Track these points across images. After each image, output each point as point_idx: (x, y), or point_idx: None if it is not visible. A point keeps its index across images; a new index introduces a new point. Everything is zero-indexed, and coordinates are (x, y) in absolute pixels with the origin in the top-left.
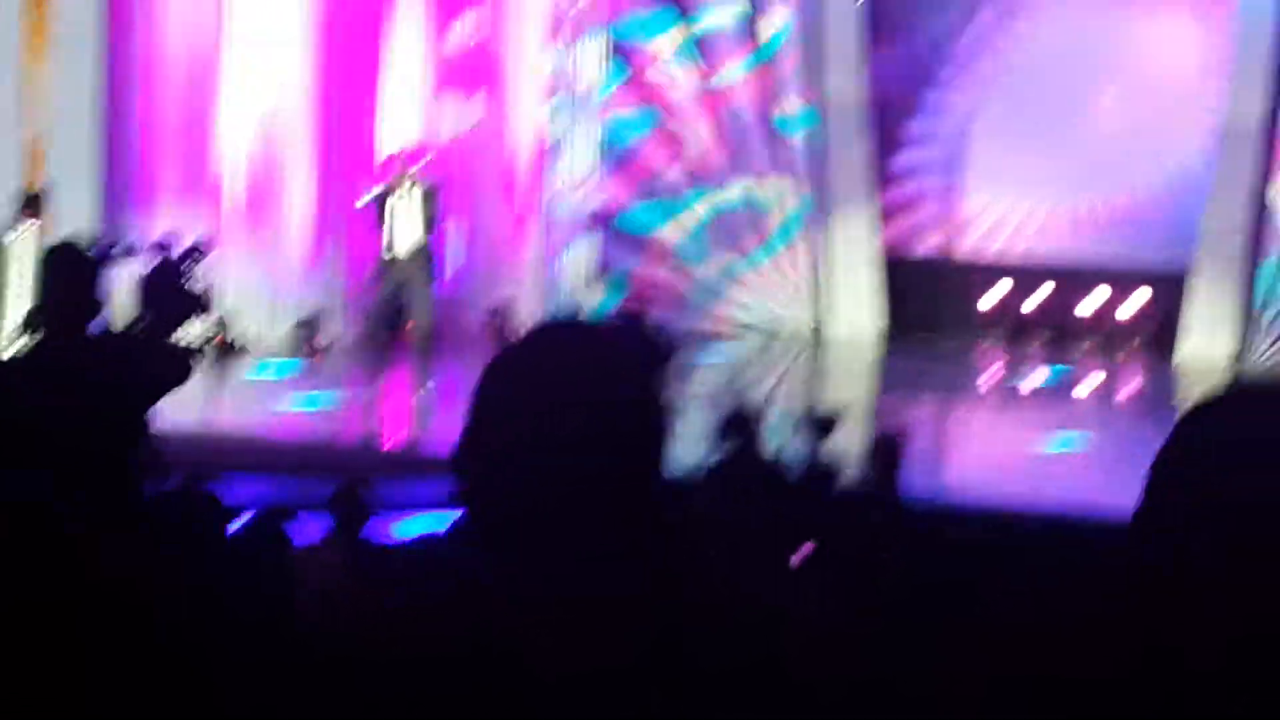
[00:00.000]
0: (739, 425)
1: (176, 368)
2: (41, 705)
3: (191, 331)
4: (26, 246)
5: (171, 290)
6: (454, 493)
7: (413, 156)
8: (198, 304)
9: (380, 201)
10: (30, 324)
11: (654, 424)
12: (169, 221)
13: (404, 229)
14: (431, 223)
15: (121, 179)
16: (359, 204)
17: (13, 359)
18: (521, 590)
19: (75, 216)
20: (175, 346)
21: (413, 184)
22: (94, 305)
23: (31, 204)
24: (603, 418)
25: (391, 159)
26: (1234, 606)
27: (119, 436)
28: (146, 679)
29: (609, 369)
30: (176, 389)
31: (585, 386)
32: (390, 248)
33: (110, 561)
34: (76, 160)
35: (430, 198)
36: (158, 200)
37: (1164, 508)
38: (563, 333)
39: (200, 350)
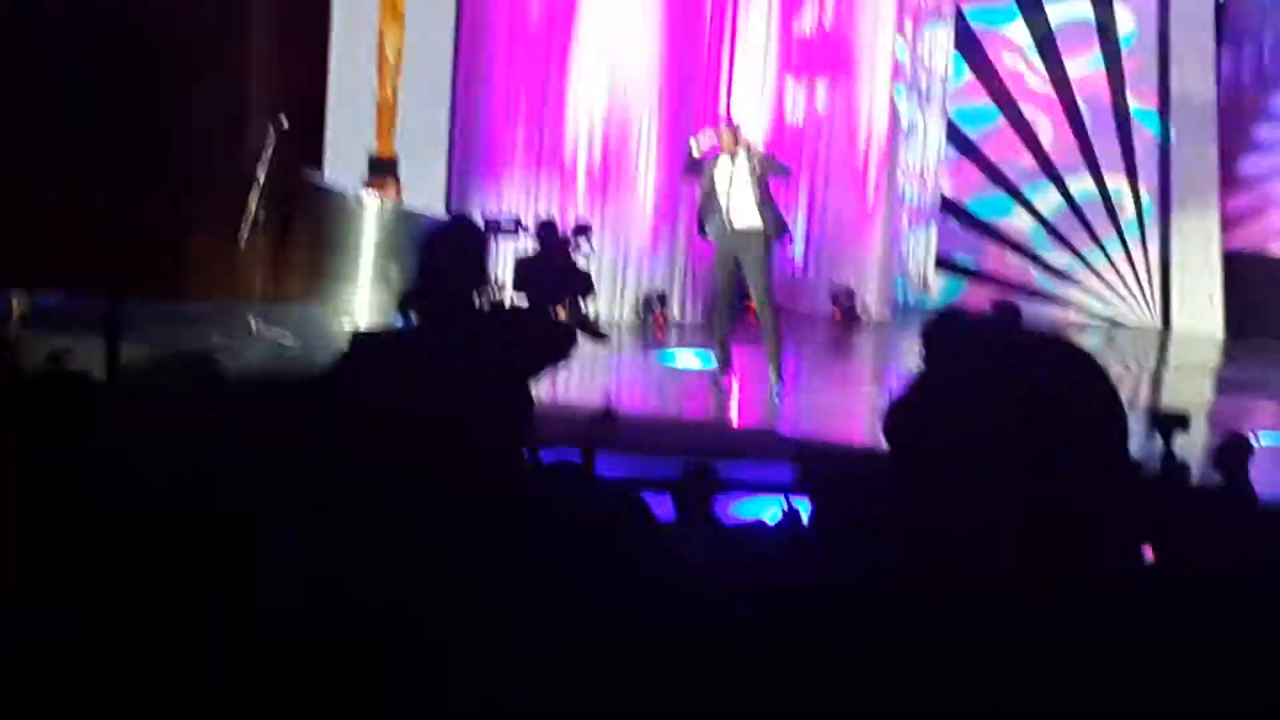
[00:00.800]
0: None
1: (558, 344)
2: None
3: (571, 310)
4: (378, 211)
5: (555, 269)
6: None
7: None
8: (580, 283)
9: (706, 169)
10: (417, 298)
11: (1117, 424)
12: (517, 192)
13: (740, 199)
14: (766, 194)
15: (471, 148)
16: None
17: (400, 331)
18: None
19: (426, 184)
20: (557, 323)
21: (747, 153)
22: (480, 280)
23: (383, 169)
24: (1072, 418)
25: (723, 125)
26: None
27: (502, 410)
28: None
29: (1075, 370)
30: (557, 365)
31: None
32: (728, 219)
33: (495, 529)
34: (428, 127)
35: (764, 168)
36: (506, 171)
37: None
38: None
39: (579, 327)
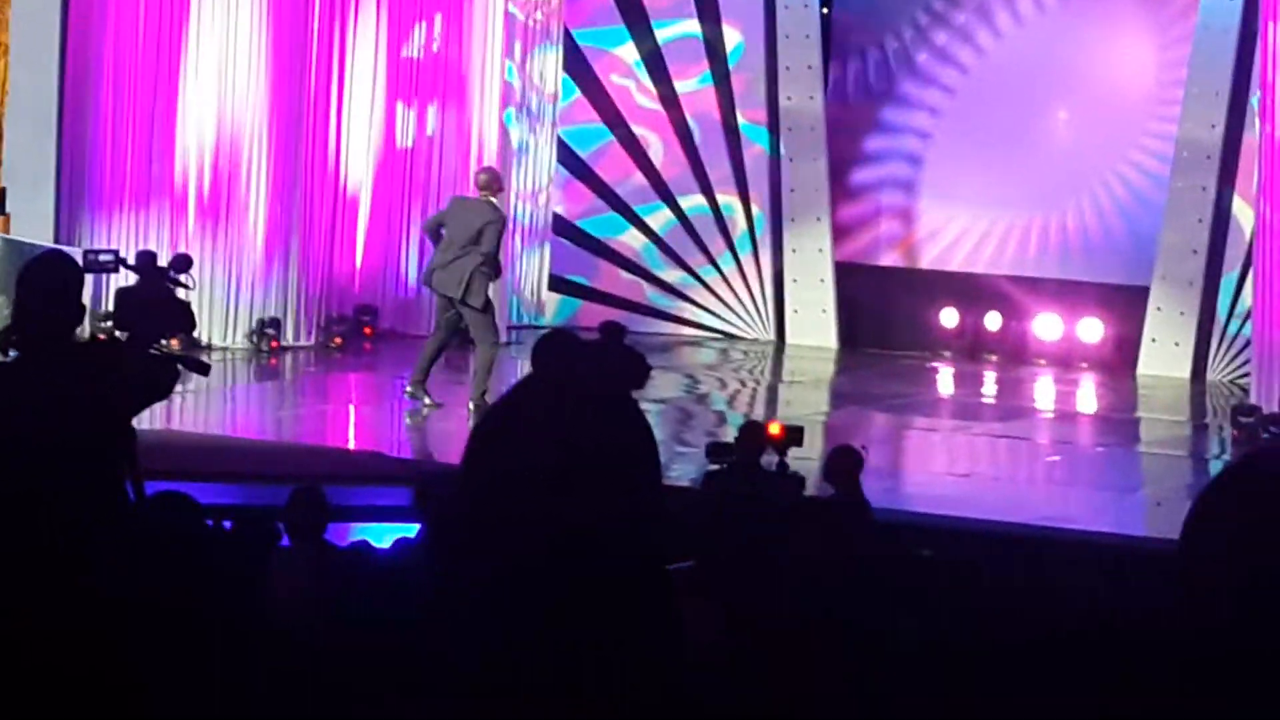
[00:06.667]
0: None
1: (160, 379)
2: (32, 697)
3: (172, 342)
4: None
5: (155, 302)
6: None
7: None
8: (180, 317)
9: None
10: (11, 332)
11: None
12: (127, 223)
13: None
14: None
15: (79, 179)
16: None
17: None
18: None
19: (33, 217)
20: (158, 357)
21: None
22: (77, 315)
23: None
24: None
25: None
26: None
27: (101, 444)
28: (133, 671)
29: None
30: (159, 400)
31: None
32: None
33: (98, 561)
34: (35, 159)
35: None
36: (116, 202)
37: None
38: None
39: (182, 362)
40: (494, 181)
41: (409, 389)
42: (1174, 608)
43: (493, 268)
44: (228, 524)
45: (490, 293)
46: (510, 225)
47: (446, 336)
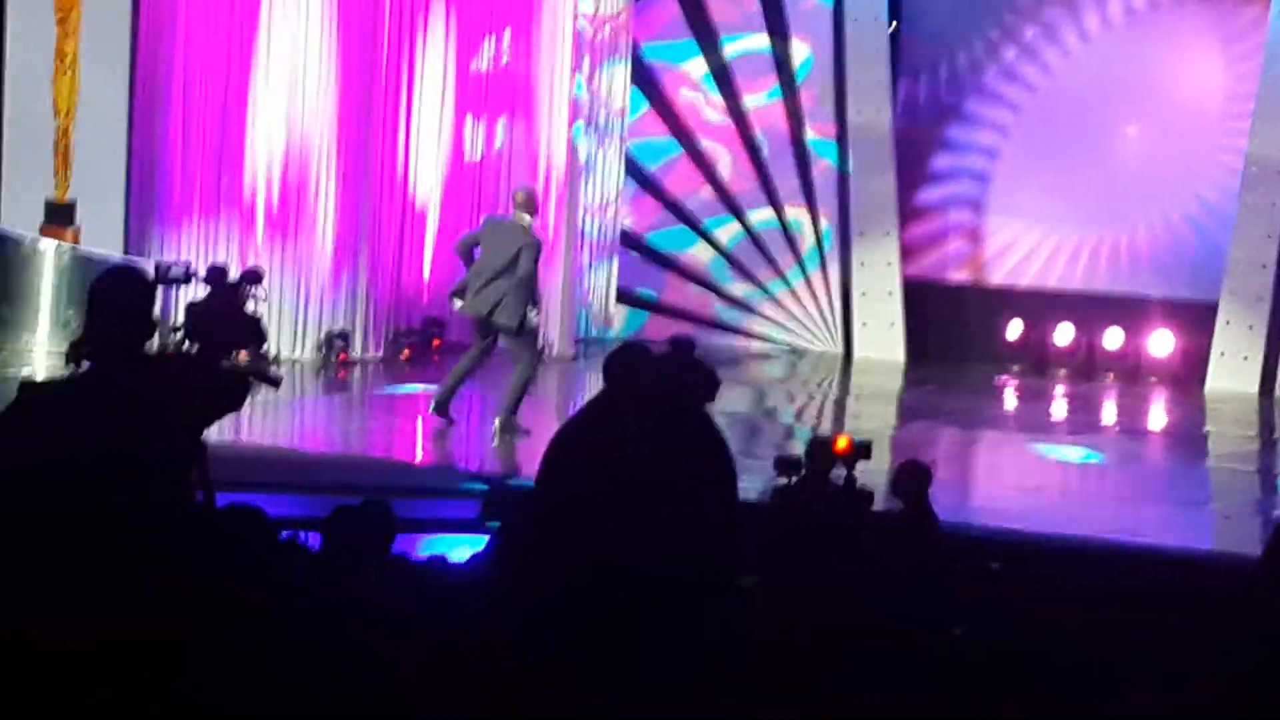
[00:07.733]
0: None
1: (231, 392)
2: (103, 696)
3: (243, 357)
4: (55, 256)
5: (226, 316)
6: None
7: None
8: (251, 330)
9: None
10: (84, 346)
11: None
12: (196, 235)
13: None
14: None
15: (149, 192)
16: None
17: (69, 380)
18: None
19: (103, 229)
20: (229, 371)
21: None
22: (149, 329)
23: (59, 215)
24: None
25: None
26: None
27: (172, 456)
28: (205, 676)
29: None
30: (229, 413)
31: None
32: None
33: (170, 570)
34: (106, 172)
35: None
36: (185, 214)
37: None
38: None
39: (253, 375)
40: (531, 201)
41: (433, 406)
42: (1253, 621)
43: (529, 291)
44: (303, 536)
45: (534, 316)
46: (578, 239)
47: (479, 358)
